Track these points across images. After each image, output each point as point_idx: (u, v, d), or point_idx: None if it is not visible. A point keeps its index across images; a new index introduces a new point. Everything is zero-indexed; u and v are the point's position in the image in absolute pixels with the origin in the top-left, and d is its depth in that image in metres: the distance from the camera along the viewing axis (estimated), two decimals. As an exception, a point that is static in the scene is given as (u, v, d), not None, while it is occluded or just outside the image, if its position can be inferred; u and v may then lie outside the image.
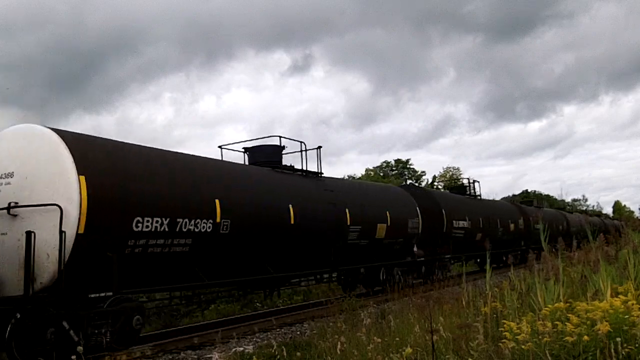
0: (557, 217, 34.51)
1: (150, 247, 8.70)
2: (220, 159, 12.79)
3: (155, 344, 9.50)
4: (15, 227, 7.70)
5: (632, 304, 4.24)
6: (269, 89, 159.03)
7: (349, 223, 13.78)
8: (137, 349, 8.77)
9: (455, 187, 28.32)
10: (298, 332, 10.78)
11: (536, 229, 27.84)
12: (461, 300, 7.52)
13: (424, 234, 17.77)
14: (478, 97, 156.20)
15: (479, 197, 25.62)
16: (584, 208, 77.59)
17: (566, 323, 4.19)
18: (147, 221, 8.53)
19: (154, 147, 10.04)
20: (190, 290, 11.63)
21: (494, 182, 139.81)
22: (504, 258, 23.22)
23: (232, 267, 10.85)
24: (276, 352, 5.48)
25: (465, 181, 27.98)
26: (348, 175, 42.88)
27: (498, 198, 36.15)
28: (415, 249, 17.44)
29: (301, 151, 13.71)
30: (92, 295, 7.87)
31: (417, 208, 17.66)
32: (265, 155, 13.08)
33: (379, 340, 5.47)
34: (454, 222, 20.00)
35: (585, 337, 3.96)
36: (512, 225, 26.19)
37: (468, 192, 25.02)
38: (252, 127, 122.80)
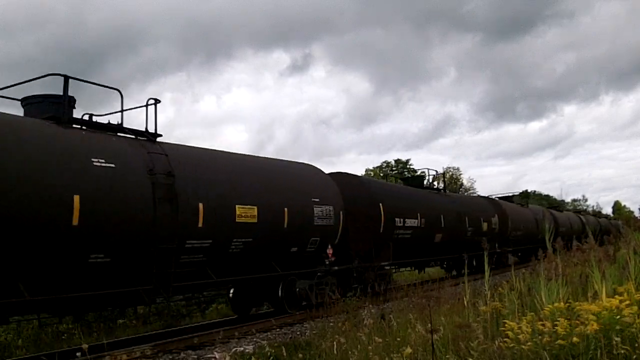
0: (543, 215, 29.67)
1: None
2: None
3: (155, 343, 9.50)
4: None
5: (625, 304, 4.22)
6: (269, 89, 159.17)
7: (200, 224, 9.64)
8: (137, 349, 8.77)
9: (411, 177, 23.51)
10: (298, 332, 10.79)
11: (516, 229, 25.45)
12: (462, 300, 7.50)
13: (352, 234, 14.10)
14: (478, 97, 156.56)
15: (438, 190, 22.21)
16: (584, 208, 77.45)
17: (557, 325, 4.20)
18: None
19: None
20: None
21: (494, 182, 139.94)
22: (475, 263, 20.64)
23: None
24: (276, 352, 5.49)
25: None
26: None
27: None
28: (329, 254, 13.41)
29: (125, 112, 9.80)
30: None
31: (342, 200, 13.78)
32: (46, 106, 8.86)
33: (380, 340, 5.47)
34: (396, 219, 16.02)
35: (575, 339, 3.97)
36: (484, 225, 22.14)
37: (427, 184, 21.34)
38: (252, 126, 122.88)
